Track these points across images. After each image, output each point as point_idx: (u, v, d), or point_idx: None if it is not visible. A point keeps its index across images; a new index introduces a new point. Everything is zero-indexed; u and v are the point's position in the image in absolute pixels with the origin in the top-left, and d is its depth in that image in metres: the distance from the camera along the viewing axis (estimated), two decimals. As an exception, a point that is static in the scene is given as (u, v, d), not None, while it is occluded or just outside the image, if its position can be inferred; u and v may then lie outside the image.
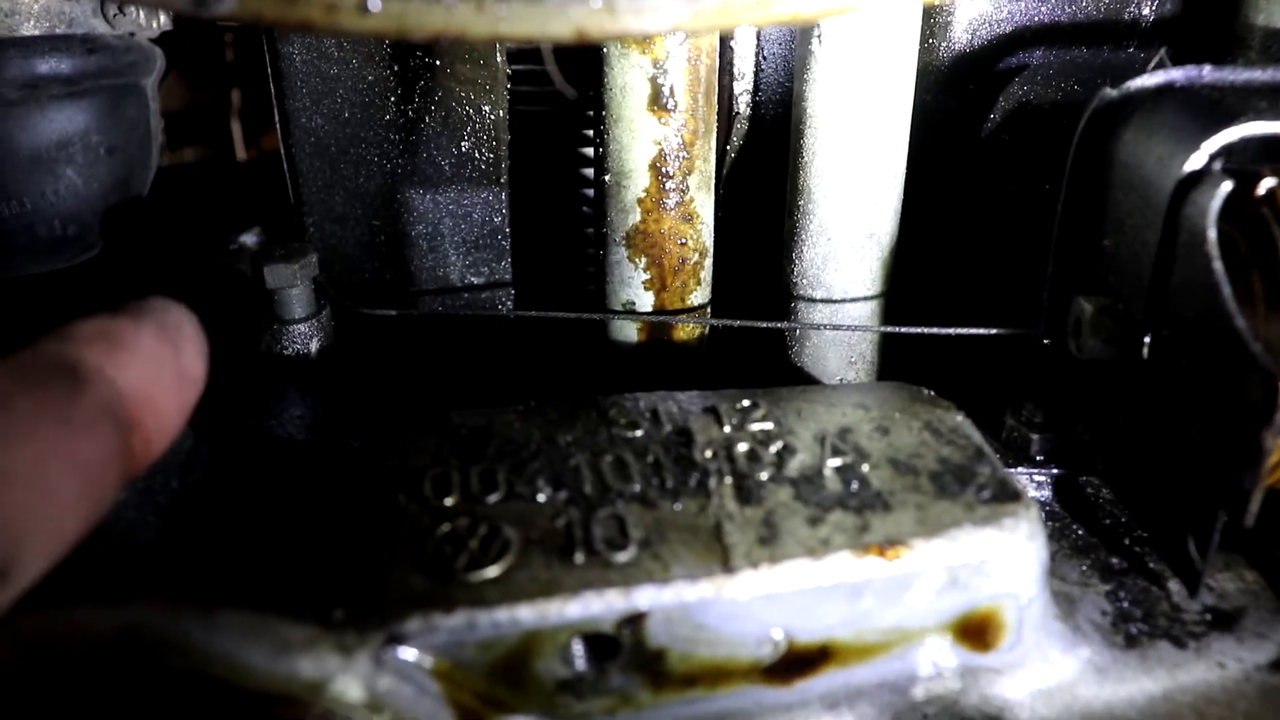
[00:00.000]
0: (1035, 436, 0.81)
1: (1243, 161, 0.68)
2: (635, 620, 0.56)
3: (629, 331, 0.85)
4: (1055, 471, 0.81)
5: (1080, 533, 0.77)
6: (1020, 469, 0.80)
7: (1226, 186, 0.64)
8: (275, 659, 0.51)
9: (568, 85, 0.99)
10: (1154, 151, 0.70)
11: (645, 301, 0.83)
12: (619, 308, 0.84)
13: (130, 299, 0.94)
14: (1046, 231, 0.79)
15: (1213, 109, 0.70)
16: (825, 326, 0.85)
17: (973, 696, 0.63)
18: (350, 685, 0.51)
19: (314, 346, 0.80)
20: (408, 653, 0.54)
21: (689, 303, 0.84)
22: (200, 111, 1.54)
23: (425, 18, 0.49)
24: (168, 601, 0.52)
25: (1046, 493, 0.81)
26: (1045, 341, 0.80)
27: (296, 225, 0.93)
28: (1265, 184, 0.66)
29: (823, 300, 0.85)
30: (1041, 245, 0.80)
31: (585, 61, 0.93)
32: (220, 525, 0.65)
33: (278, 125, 0.91)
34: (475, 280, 0.93)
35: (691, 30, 0.60)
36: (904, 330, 0.82)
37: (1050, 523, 0.78)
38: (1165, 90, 0.74)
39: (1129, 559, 0.75)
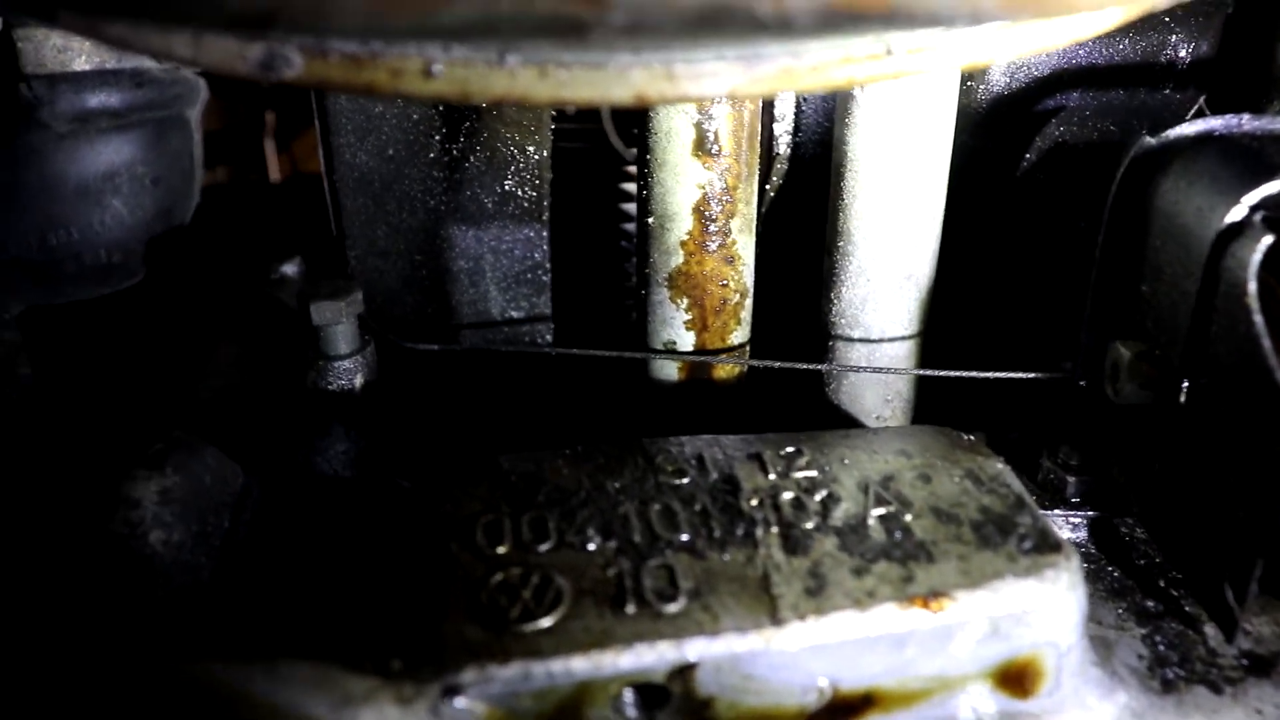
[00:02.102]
0: (1071, 479, 0.82)
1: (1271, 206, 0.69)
2: (685, 671, 0.57)
3: (669, 370, 0.86)
4: (1091, 513, 0.81)
5: (1116, 575, 0.78)
6: (1056, 511, 0.81)
7: (1268, 240, 0.65)
8: (338, 711, 0.52)
9: (618, 139, 1.00)
10: (1194, 201, 0.71)
11: (686, 341, 0.84)
12: (660, 347, 0.85)
13: (180, 328, 0.95)
14: (1083, 273, 0.80)
15: (1254, 160, 0.70)
16: (864, 369, 0.86)
17: (1012, 742, 0.64)
18: (409, 736, 0.52)
19: (358, 382, 0.81)
20: (463, 702, 0.55)
21: (729, 342, 0.85)
22: (234, 132, 1.56)
23: (487, 83, 0.50)
24: (233, 653, 0.53)
25: (1082, 534, 0.81)
26: (1081, 384, 0.81)
27: (339, 258, 0.94)
28: (1305, 235, 0.67)
29: (860, 340, 0.86)
30: (1078, 287, 0.81)
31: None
32: (273, 567, 0.66)
33: (321, 160, 0.92)
34: (515, 315, 0.94)
35: (748, 96, 0.61)
36: (945, 374, 0.83)
37: (1086, 565, 0.79)
38: (1204, 139, 0.75)
39: (1165, 602, 0.75)
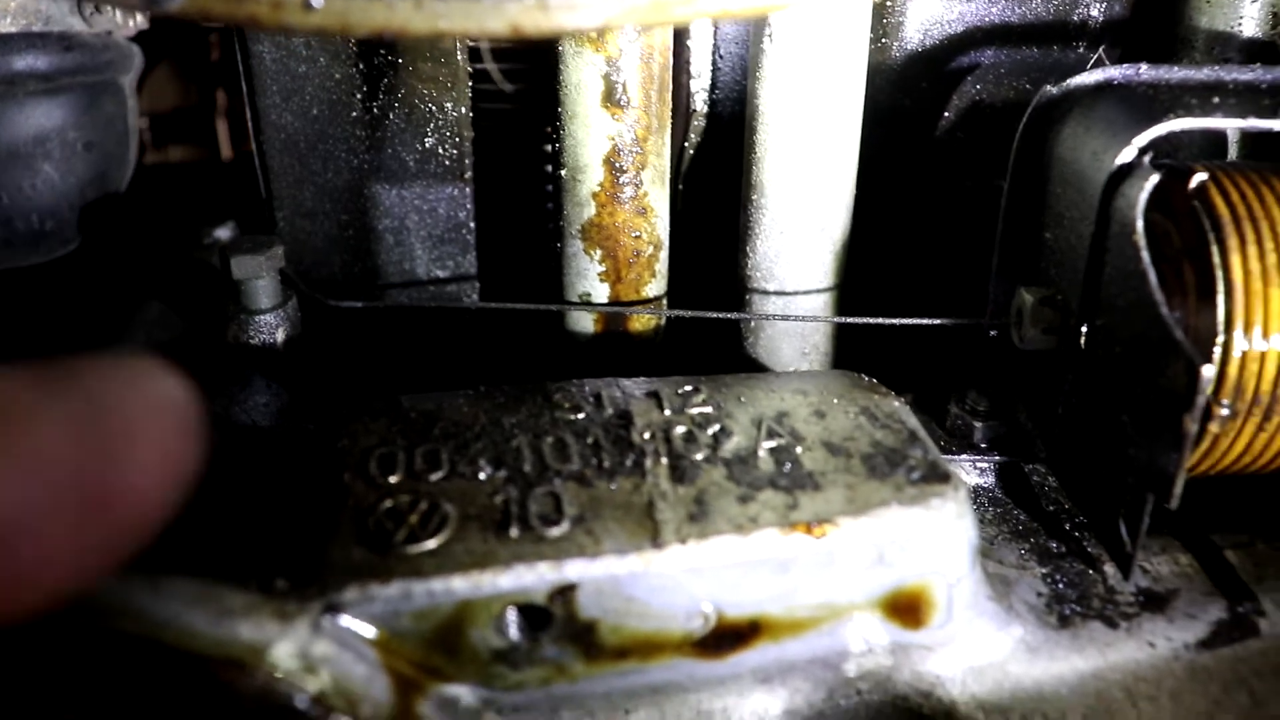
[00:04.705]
0: (978, 424, 0.83)
1: (1180, 157, 0.70)
2: (566, 591, 0.58)
3: (585, 322, 0.87)
4: (999, 459, 0.82)
5: (1021, 518, 0.79)
6: (964, 456, 0.82)
7: (1154, 179, 0.66)
8: (217, 624, 0.53)
9: (505, 80, 1.01)
10: (1089, 146, 0.73)
11: (600, 293, 0.85)
12: (575, 299, 0.86)
13: (110, 294, 0.95)
14: (995, 226, 0.81)
15: (1146, 105, 0.72)
16: (777, 317, 0.87)
17: (904, 672, 0.65)
18: (287, 649, 0.53)
19: (280, 336, 0.82)
20: (346, 621, 0.56)
21: (644, 294, 0.86)
22: (187, 112, 1.56)
23: (366, 15, 0.51)
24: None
25: (990, 479, 0.82)
26: (993, 334, 0.82)
27: (268, 220, 0.95)
28: (1197, 178, 0.68)
29: (776, 293, 0.87)
30: (990, 239, 0.82)
31: (543, 59, 0.95)
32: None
33: (249, 122, 0.93)
34: (441, 274, 0.95)
35: (621, 26, 0.62)
36: (854, 320, 0.84)
37: (992, 508, 0.80)
38: (1103, 87, 0.77)
39: (1067, 543, 0.77)
